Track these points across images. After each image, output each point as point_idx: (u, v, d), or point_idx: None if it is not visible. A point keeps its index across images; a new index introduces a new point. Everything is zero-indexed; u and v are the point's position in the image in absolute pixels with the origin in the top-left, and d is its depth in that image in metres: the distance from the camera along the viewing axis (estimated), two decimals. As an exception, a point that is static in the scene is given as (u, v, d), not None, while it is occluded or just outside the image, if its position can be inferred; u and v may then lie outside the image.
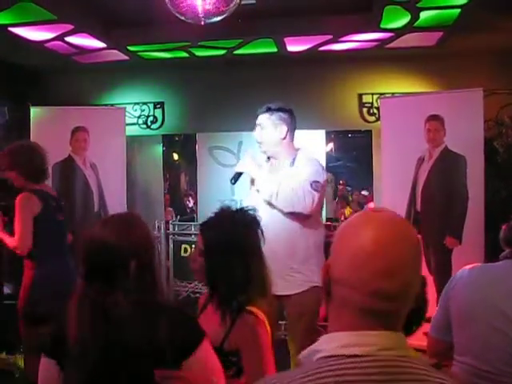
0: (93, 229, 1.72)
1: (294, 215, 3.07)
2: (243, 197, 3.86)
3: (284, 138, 3.21)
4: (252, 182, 3.28)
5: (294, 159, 3.20)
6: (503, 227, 2.21)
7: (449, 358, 2.01)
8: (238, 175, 3.26)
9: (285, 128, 3.21)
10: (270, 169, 3.28)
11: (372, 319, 0.96)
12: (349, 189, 9.84)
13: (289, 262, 3.06)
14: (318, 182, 3.07)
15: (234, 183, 3.30)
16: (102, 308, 1.58)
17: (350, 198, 9.41)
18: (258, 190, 3.19)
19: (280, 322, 3.64)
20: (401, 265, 0.96)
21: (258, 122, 3.27)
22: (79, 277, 1.68)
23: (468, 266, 2.05)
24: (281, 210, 3.09)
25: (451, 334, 1.98)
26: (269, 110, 3.23)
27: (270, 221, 3.12)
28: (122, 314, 1.57)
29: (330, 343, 0.98)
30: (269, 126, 3.21)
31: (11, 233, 3.24)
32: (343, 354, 0.95)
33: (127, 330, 1.56)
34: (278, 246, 2.99)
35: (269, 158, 3.33)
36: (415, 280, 0.99)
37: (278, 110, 3.24)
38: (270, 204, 3.11)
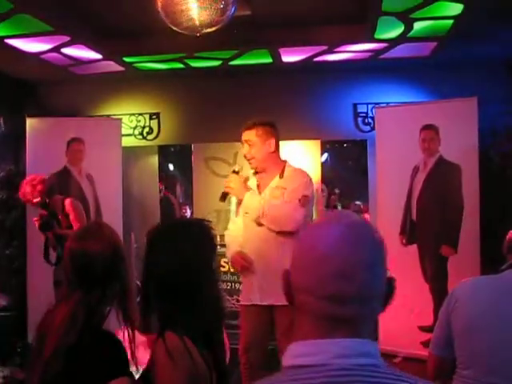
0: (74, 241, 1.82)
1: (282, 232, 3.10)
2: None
3: (273, 152, 3.24)
4: (239, 202, 3.29)
5: (282, 170, 3.24)
6: (510, 235, 2.19)
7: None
8: (226, 194, 3.31)
9: (273, 141, 3.23)
10: (260, 182, 3.30)
11: (332, 325, 0.90)
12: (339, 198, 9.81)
13: (279, 275, 3.07)
14: (306, 196, 3.11)
15: (223, 201, 3.36)
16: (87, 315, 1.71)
17: (340, 208, 9.36)
18: (246, 213, 3.22)
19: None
20: (357, 266, 0.90)
21: (244, 138, 3.25)
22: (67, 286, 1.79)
23: (467, 280, 2.02)
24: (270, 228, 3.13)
25: (453, 350, 1.94)
26: (254, 125, 3.22)
27: (259, 237, 3.20)
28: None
29: (289, 353, 0.93)
30: (257, 143, 3.21)
31: None
32: (298, 365, 0.90)
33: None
34: (268, 258, 3.11)
35: (256, 172, 3.34)
36: (376, 282, 0.92)
37: (264, 124, 3.24)
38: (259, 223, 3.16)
